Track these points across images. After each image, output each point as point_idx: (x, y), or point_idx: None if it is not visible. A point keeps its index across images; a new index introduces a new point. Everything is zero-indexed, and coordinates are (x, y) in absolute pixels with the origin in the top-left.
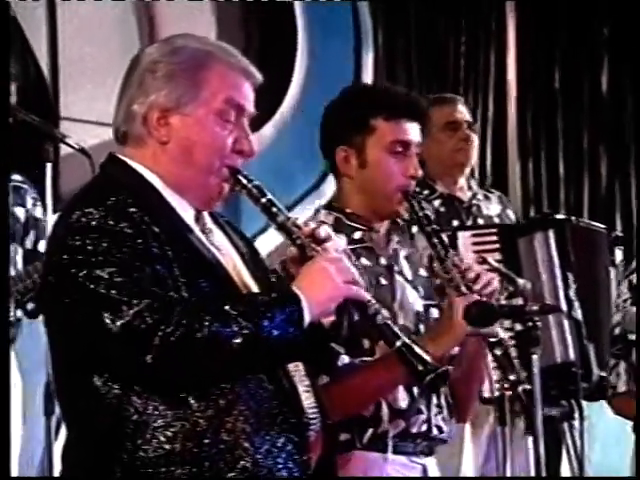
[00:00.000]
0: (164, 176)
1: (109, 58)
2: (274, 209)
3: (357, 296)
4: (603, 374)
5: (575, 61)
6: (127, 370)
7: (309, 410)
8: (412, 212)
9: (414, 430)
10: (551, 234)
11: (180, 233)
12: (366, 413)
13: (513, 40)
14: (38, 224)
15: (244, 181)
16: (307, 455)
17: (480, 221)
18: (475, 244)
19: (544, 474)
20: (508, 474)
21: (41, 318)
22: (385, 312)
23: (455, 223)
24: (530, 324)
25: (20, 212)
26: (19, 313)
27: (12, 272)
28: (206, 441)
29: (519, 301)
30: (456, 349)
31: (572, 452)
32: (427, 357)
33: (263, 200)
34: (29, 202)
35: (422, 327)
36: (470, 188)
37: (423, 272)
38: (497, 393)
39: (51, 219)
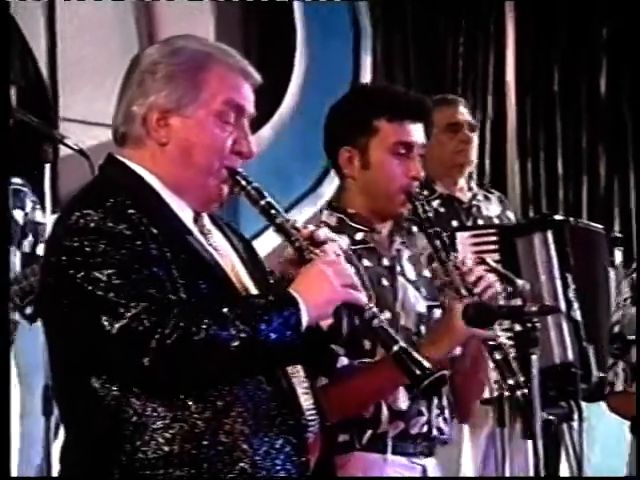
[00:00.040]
0: (163, 177)
1: (108, 59)
2: (273, 211)
3: (355, 300)
4: (602, 375)
5: (574, 62)
6: (125, 372)
7: (308, 412)
8: (416, 214)
9: (414, 431)
10: (550, 235)
11: (179, 234)
12: (365, 414)
13: (512, 41)
14: (37, 227)
15: (243, 182)
16: (305, 456)
17: (480, 222)
18: (474, 245)
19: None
20: (507, 474)
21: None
22: (382, 316)
23: (455, 224)
24: (529, 325)
25: (19, 215)
26: (17, 316)
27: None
28: (204, 443)
29: (518, 302)
30: (458, 350)
31: (571, 453)
32: (424, 362)
33: (262, 202)
34: (28, 205)
35: (423, 328)
36: (470, 189)
37: (427, 273)
38: (496, 393)
39: (50, 220)
